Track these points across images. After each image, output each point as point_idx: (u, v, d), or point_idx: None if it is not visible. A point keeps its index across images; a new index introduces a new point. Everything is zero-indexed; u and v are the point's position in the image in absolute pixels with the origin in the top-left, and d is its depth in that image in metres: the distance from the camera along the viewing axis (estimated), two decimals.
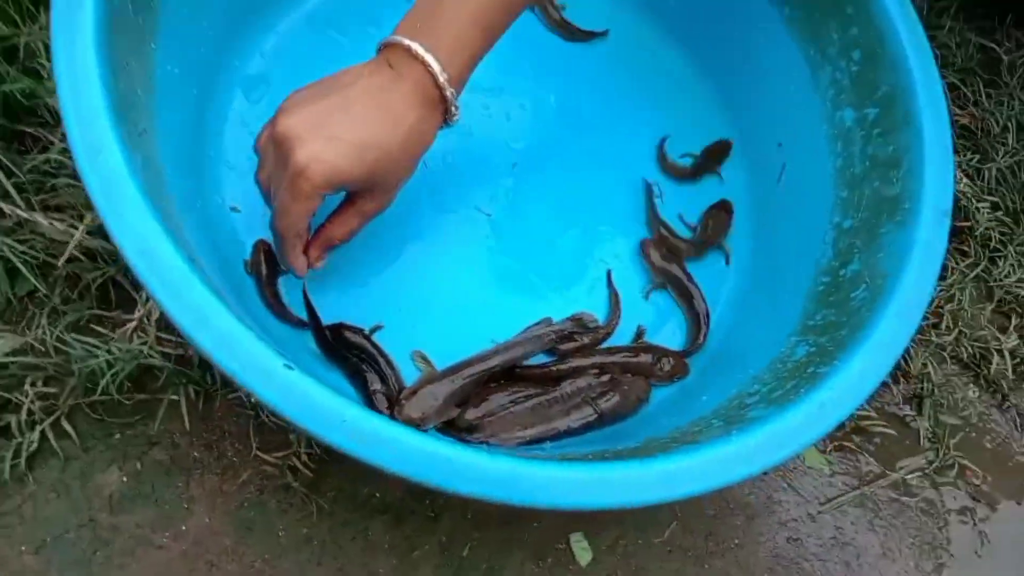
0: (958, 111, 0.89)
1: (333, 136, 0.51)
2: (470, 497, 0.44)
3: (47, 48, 0.63)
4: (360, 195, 0.57)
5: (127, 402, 0.61)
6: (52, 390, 0.60)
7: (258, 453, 0.62)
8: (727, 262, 0.75)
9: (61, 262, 0.58)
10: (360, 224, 0.59)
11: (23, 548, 0.57)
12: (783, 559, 0.71)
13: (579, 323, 0.67)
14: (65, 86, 0.47)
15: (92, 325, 0.61)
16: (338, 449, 0.43)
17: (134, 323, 0.61)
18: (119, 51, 0.51)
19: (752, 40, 0.77)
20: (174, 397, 0.62)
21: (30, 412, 0.58)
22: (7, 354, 0.56)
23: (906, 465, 0.76)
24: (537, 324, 0.67)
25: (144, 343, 0.60)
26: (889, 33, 0.65)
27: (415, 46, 0.53)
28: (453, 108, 0.56)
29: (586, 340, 0.67)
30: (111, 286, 0.63)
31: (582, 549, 0.67)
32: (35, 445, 0.59)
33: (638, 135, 0.78)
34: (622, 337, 0.70)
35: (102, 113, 0.47)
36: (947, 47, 0.91)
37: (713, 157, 0.78)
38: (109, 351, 0.58)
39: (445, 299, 0.68)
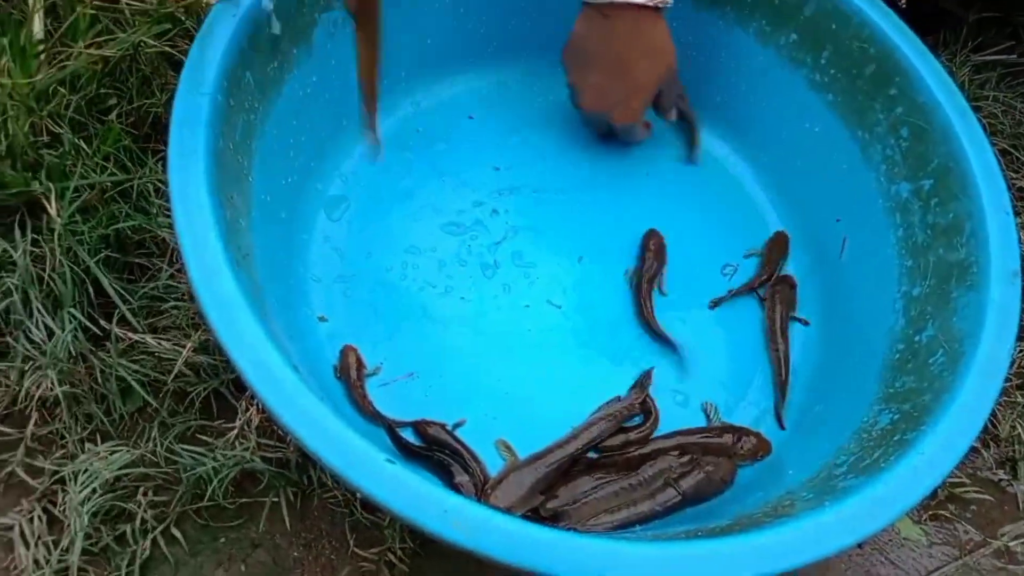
0: (1013, 174, 0.90)
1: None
2: None
3: (155, 189, 0.70)
4: None
5: (231, 506, 0.64)
6: (162, 499, 0.63)
7: (355, 550, 0.64)
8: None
9: (171, 378, 0.63)
10: None
11: None
12: None
13: (642, 388, 0.69)
14: (182, 219, 0.53)
15: (197, 435, 0.65)
16: (441, 539, 0.45)
17: (236, 430, 0.64)
18: (224, 187, 0.57)
19: (797, 125, 0.80)
20: (275, 499, 0.65)
21: (143, 521, 0.62)
22: (122, 467, 0.60)
23: (1008, 531, 0.73)
24: (608, 403, 0.69)
25: (246, 449, 0.64)
26: (934, 108, 0.68)
27: None
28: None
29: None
30: (213, 398, 0.68)
31: None
32: (147, 552, 0.62)
33: (685, 227, 0.81)
34: (696, 416, 0.71)
35: (214, 241, 0.52)
36: (994, 116, 0.93)
37: (777, 252, 0.80)
38: (215, 458, 0.62)
39: (523, 388, 0.71)
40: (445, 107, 0.86)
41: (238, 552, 0.64)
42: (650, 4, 0.68)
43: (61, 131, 0.68)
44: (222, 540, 0.64)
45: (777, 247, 0.79)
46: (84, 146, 0.69)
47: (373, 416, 0.66)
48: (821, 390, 0.72)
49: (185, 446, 0.63)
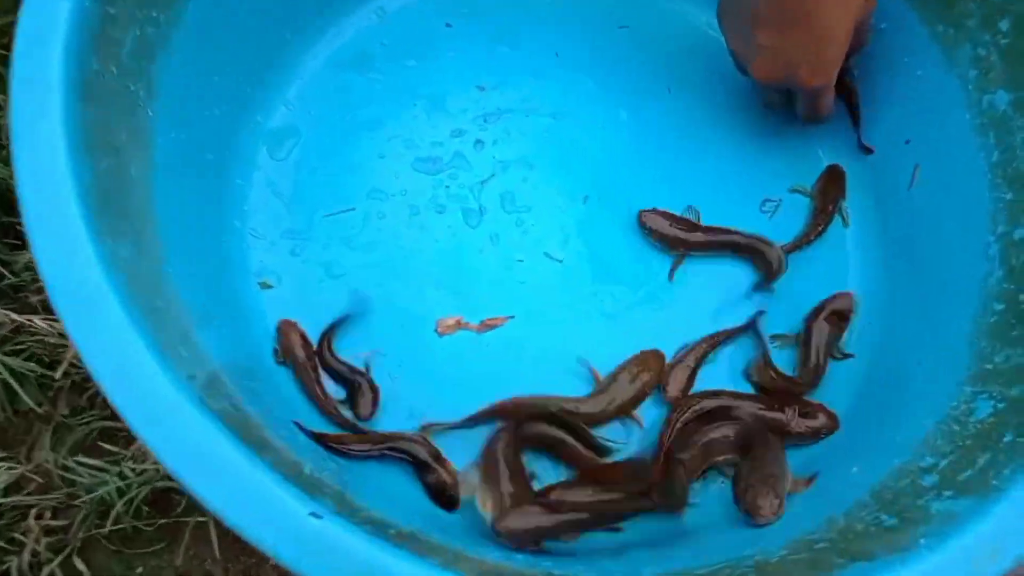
0: None
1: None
2: None
3: None
4: None
5: (148, 528, 0.52)
6: (61, 523, 0.51)
7: None
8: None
9: (59, 373, 0.49)
10: None
11: None
12: None
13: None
14: (25, 174, 0.38)
15: (100, 443, 0.52)
16: None
17: None
18: (98, 127, 0.42)
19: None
20: (200, 519, 0.52)
21: (35, 552, 0.49)
22: (3, 491, 0.47)
23: None
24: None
25: None
26: None
27: None
28: None
29: None
30: None
31: None
32: None
33: (718, 154, 0.66)
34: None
35: (71, 204, 0.38)
36: None
37: (833, 191, 0.64)
38: (120, 474, 0.49)
39: (515, 363, 0.58)
40: (416, 13, 0.69)
41: None
42: None
43: None
44: (139, 570, 0.52)
45: (832, 184, 0.64)
46: None
47: (331, 415, 0.53)
48: (886, 362, 0.58)
49: (84, 459, 0.50)
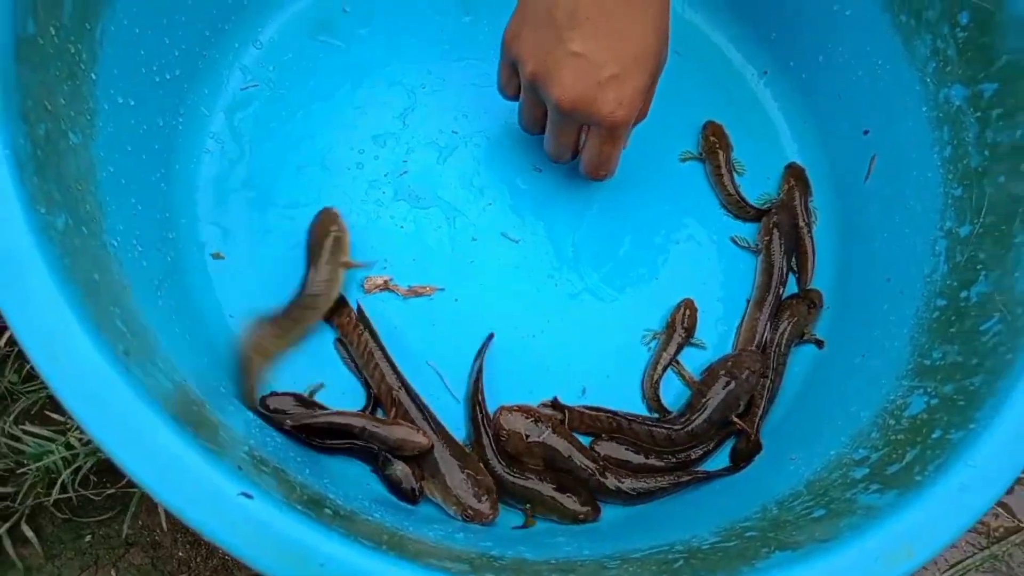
0: None
1: (614, 74, 0.47)
2: None
3: None
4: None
5: (96, 497, 0.52)
6: (8, 489, 0.50)
7: None
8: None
9: (2, 341, 0.48)
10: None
11: None
12: None
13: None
14: None
15: (47, 411, 0.51)
16: None
17: None
18: (33, 89, 0.41)
19: (822, 5, 0.63)
20: None
21: None
22: None
23: None
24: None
25: None
26: None
27: None
28: None
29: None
30: None
31: None
32: None
33: (680, 132, 0.66)
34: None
35: (3, 176, 0.36)
36: None
37: (800, 191, 0.64)
38: (67, 443, 0.49)
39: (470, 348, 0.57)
40: None
41: (107, 553, 0.52)
42: None
43: None
44: (87, 538, 0.52)
45: (799, 185, 0.64)
46: None
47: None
48: (833, 353, 0.59)
49: (29, 427, 0.50)
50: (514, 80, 0.54)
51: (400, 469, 0.50)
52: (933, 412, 0.46)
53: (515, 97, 0.56)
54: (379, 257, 0.59)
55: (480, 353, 0.56)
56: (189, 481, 0.33)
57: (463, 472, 0.50)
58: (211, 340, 0.53)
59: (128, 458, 0.33)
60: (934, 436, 0.43)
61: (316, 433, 0.50)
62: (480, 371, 0.55)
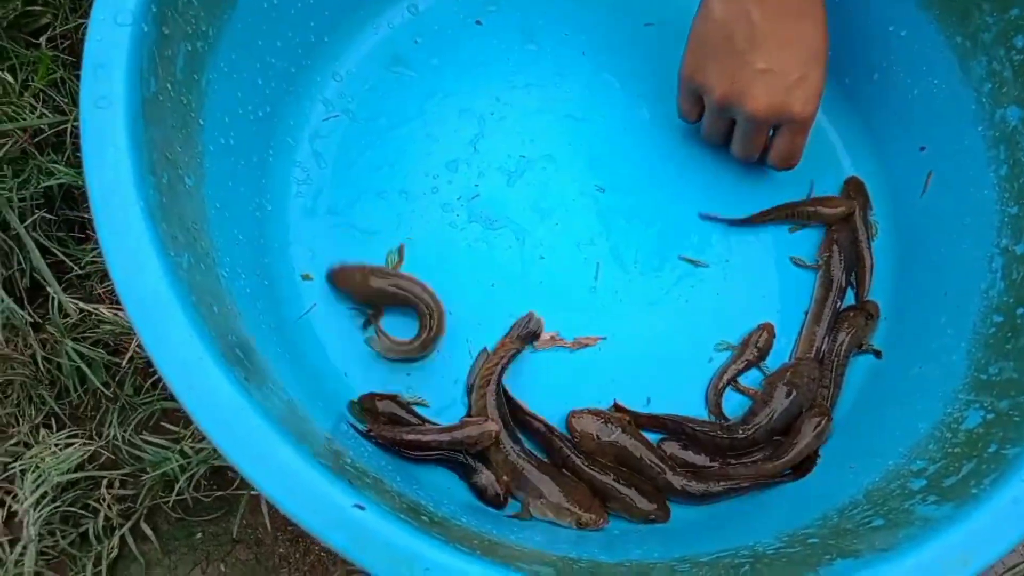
0: None
1: (799, 77, 0.55)
2: None
3: None
4: None
5: (206, 499, 0.57)
6: (129, 492, 0.56)
7: None
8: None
9: (125, 360, 0.54)
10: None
11: None
12: None
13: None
14: (97, 197, 0.42)
15: (163, 423, 0.57)
16: None
17: None
18: (157, 143, 0.46)
19: (878, 26, 0.64)
20: (254, 493, 0.57)
21: (107, 518, 0.55)
22: (78, 467, 0.53)
23: None
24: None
25: None
26: None
27: None
28: None
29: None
30: None
31: None
32: (115, 551, 0.56)
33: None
34: None
35: (137, 221, 0.42)
36: None
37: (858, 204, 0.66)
38: (182, 451, 0.54)
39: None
40: (447, 10, 0.71)
41: (216, 550, 0.57)
42: None
43: None
44: (198, 536, 0.57)
45: (857, 199, 0.66)
46: (9, 79, 0.57)
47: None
48: (891, 363, 0.61)
49: (148, 437, 0.55)
50: (696, 107, 0.61)
51: (485, 476, 0.54)
52: (989, 427, 0.48)
53: (698, 120, 0.63)
54: (455, 276, 0.63)
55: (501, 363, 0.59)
56: (309, 494, 0.38)
57: (565, 487, 0.54)
58: (303, 354, 0.58)
59: (257, 475, 0.38)
60: (990, 450, 0.46)
61: (404, 445, 0.54)
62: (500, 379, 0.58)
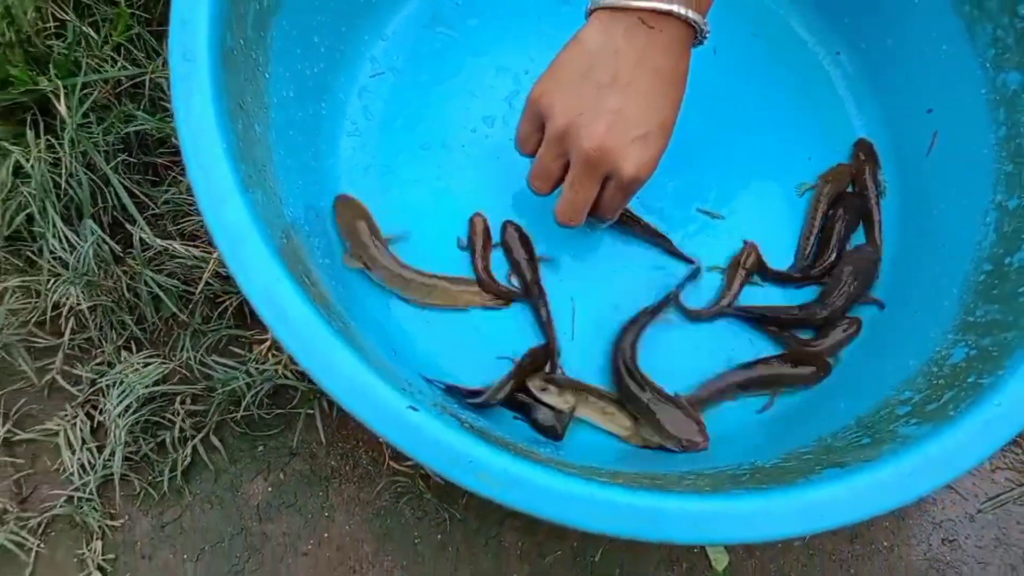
0: None
1: (643, 134, 0.52)
2: (604, 534, 0.43)
3: None
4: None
5: (267, 416, 0.64)
6: (200, 408, 0.63)
7: (391, 463, 0.64)
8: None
9: (198, 290, 0.61)
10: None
11: (185, 556, 0.62)
12: (938, 563, 0.66)
13: None
14: (187, 140, 0.48)
15: (230, 347, 0.64)
16: (468, 489, 0.43)
17: (268, 343, 0.63)
18: (234, 93, 0.52)
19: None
20: (309, 411, 0.64)
21: (181, 429, 0.62)
22: (156, 382, 0.60)
23: None
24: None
25: (279, 362, 0.62)
26: None
27: (662, 6, 0.50)
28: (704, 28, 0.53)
29: None
30: (245, 306, 0.66)
31: (718, 554, 0.65)
32: (188, 459, 0.63)
33: (757, 121, 0.73)
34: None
35: (223, 164, 0.47)
36: None
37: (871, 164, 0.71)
38: (248, 372, 0.61)
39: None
40: None
41: (276, 461, 0.64)
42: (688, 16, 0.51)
43: (67, 18, 0.63)
44: (260, 448, 0.64)
45: (869, 158, 0.71)
46: (93, 34, 0.63)
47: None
48: (890, 311, 0.66)
49: (217, 359, 0.62)
50: (534, 136, 0.57)
51: (543, 413, 0.59)
52: (971, 361, 0.53)
53: (532, 154, 0.58)
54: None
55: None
56: (371, 397, 0.44)
57: (673, 413, 0.59)
58: (356, 294, 0.65)
59: (329, 382, 0.44)
60: (969, 380, 0.51)
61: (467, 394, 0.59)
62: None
